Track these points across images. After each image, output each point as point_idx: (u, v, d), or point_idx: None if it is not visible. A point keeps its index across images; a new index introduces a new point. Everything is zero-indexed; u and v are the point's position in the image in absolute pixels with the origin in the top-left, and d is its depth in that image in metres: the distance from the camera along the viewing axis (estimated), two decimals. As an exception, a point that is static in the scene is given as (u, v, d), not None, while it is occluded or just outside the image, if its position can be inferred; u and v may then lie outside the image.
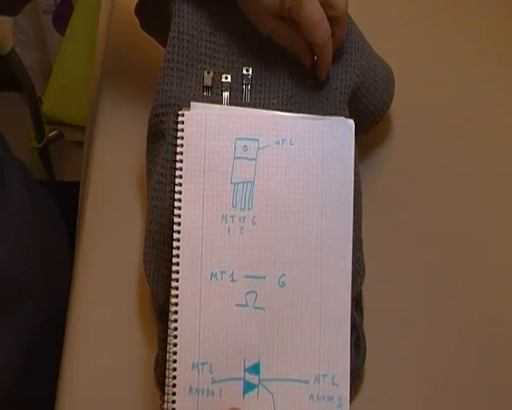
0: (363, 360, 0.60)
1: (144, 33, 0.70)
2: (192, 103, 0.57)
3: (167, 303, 0.60)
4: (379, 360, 0.61)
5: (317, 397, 0.53)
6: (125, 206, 0.61)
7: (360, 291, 0.61)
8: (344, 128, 0.56)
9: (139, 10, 0.67)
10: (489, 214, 0.68)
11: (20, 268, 0.63)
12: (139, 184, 0.67)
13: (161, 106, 0.61)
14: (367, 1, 0.74)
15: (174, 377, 0.53)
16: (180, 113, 0.56)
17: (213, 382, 0.53)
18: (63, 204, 0.75)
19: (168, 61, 0.62)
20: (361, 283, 0.61)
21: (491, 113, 0.72)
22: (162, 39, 0.66)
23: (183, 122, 0.56)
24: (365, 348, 0.61)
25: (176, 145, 0.56)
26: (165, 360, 0.60)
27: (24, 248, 0.64)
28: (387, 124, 0.70)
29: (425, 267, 0.65)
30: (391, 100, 0.67)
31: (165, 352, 0.61)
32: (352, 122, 0.57)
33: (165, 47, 0.63)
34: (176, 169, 0.55)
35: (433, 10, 0.77)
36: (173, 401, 0.53)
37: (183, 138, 0.56)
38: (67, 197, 0.77)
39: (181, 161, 0.55)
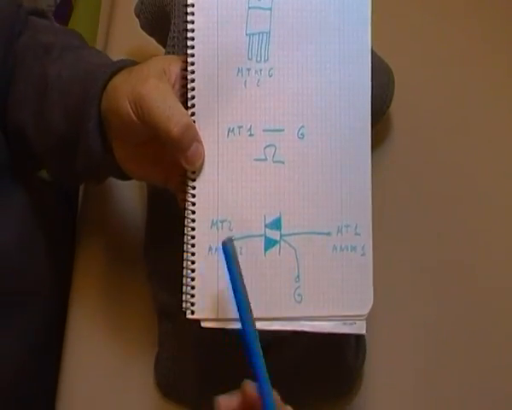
0: (363, 360, 0.60)
1: (144, 33, 0.70)
2: None
3: (168, 302, 0.60)
4: (379, 360, 0.61)
5: (341, 248, 0.52)
6: (126, 204, 0.61)
7: (360, 291, 0.61)
8: None
9: (139, 11, 0.68)
10: (489, 214, 0.68)
11: (21, 268, 0.63)
12: (139, 183, 0.67)
13: (161, 106, 0.61)
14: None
15: (193, 237, 0.50)
16: None
17: (233, 240, 0.50)
18: (64, 202, 0.75)
19: (168, 61, 0.62)
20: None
21: (490, 113, 0.72)
22: (162, 39, 0.66)
23: None
24: (365, 348, 0.61)
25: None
26: (164, 359, 0.60)
27: (25, 247, 0.64)
28: (387, 124, 0.70)
29: (425, 267, 0.65)
30: (391, 100, 0.67)
31: (165, 351, 0.61)
32: None
33: (165, 47, 0.63)
34: (187, 22, 0.51)
35: (432, 11, 0.77)
36: (192, 262, 0.50)
37: None
38: (68, 195, 0.76)
39: (192, 14, 0.51)
